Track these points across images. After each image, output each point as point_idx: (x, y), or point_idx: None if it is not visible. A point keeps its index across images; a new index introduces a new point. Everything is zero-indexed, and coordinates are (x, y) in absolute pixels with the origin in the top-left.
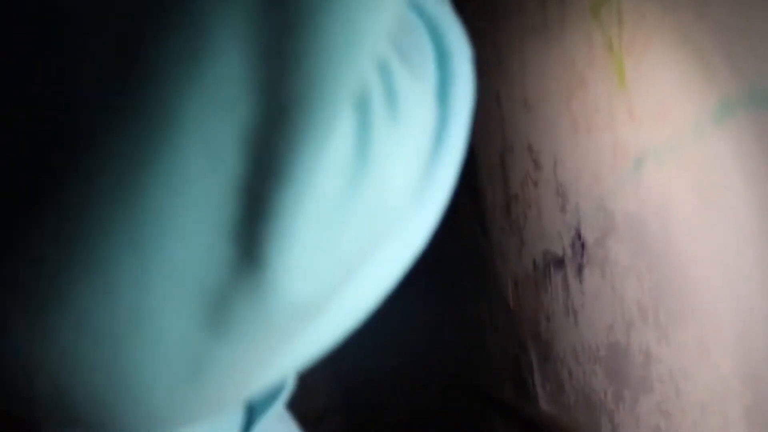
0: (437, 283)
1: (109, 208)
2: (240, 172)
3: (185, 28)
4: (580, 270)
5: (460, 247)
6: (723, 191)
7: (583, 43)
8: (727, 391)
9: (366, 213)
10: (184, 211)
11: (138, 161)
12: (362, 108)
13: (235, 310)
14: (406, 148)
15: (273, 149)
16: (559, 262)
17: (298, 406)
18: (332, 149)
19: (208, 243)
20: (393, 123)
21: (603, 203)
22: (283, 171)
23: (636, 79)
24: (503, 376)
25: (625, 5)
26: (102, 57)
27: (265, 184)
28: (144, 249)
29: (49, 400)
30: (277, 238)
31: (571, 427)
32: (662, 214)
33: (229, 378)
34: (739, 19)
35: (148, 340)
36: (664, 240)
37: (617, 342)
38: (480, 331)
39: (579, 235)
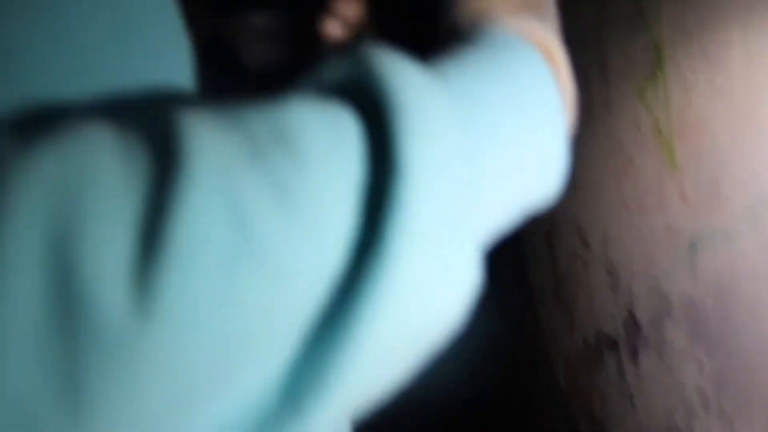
0: (484, 361)
1: None
2: None
3: None
4: (635, 352)
5: (507, 325)
6: None
7: (630, 125)
8: None
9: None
10: None
11: None
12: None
13: None
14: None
15: None
16: (613, 343)
17: None
18: None
19: None
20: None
21: (658, 285)
22: None
23: (687, 162)
24: None
25: (671, 89)
26: None
27: None
28: None
29: None
30: None
31: None
32: (721, 299)
33: None
34: None
35: None
36: (724, 325)
37: (677, 427)
38: (529, 412)
39: (633, 316)
